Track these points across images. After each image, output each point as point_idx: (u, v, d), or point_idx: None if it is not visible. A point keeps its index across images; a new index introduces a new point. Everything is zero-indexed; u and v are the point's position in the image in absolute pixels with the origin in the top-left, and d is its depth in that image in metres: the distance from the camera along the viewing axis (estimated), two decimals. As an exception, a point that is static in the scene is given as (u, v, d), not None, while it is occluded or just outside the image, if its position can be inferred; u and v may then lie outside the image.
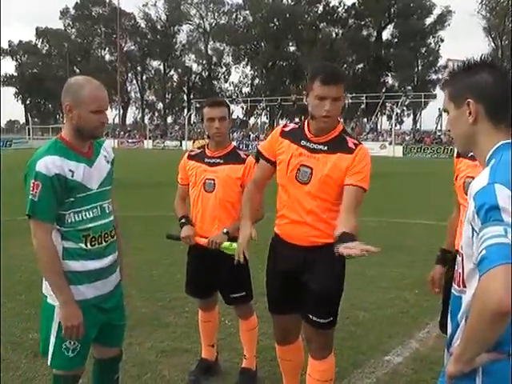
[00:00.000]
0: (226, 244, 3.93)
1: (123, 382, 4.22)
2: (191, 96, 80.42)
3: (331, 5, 74.91)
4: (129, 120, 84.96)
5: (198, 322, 4.49)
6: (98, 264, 2.98)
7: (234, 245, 3.79)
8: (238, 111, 70.80)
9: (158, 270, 7.49)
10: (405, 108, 69.91)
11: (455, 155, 3.54)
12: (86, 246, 2.93)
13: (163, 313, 5.79)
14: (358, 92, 63.04)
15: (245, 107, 72.23)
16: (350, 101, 62.20)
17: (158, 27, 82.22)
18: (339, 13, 74.84)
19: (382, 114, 64.69)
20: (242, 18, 79.86)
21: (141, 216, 12.04)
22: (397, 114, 61.41)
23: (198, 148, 4.46)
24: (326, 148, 3.21)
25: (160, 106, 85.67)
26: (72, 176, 2.86)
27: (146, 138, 59.76)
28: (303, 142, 3.26)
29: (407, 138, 48.81)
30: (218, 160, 4.14)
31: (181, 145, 52.83)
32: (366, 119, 64.84)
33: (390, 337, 5.19)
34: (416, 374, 4.44)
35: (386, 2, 69.78)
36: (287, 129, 3.41)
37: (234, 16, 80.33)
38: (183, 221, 4.19)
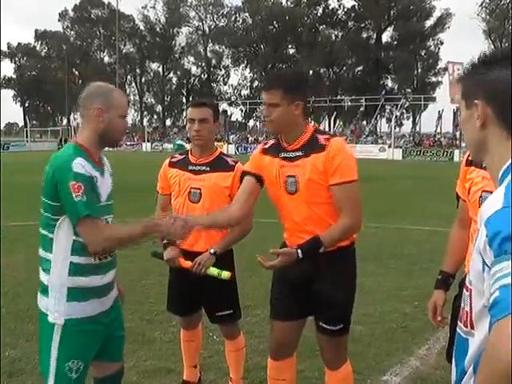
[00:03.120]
0: (213, 272, 3.60)
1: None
2: (190, 98, 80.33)
3: (331, 7, 75.31)
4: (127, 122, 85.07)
5: (181, 342, 4.21)
6: (104, 279, 2.85)
7: (225, 274, 3.54)
8: (236, 114, 70.73)
9: (148, 280, 7.18)
10: (404, 111, 69.95)
11: (464, 163, 3.06)
12: (95, 260, 2.79)
13: (149, 327, 5.49)
14: (357, 94, 62.99)
15: (244, 110, 72.26)
16: (349, 103, 62.15)
17: (157, 29, 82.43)
18: (339, 15, 75.06)
19: (381, 116, 64.65)
20: (241, 21, 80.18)
21: (136, 221, 11.76)
22: (396, 116, 61.34)
23: (180, 153, 4.08)
24: (302, 153, 3.19)
25: (159, 108, 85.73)
26: (96, 182, 2.77)
27: (144, 141, 59.63)
28: (282, 154, 3.25)
29: (403, 141, 48.59)
30: (203, 167, 3.81)
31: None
32: (365, 122, 64.73)
33: (388, 354, 4.89)
34: (416, 396, 4.16)
35: (386, 4, 69.94)
36: (267, 146, 3.39)
37: (233, 18, 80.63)
38: (165, 241, 3.83)
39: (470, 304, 1.62)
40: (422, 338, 5.24)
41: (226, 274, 3.54)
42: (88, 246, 2.70)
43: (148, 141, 59.71)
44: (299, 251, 3.00)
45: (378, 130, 60.44)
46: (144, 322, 5.64)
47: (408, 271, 7.63)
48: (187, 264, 3.69)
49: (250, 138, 58.57)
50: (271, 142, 3.39)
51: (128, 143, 60.36)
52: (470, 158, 2.97)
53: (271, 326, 3.51)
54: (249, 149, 50.55)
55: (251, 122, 73.36)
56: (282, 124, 3.19)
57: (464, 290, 1.68)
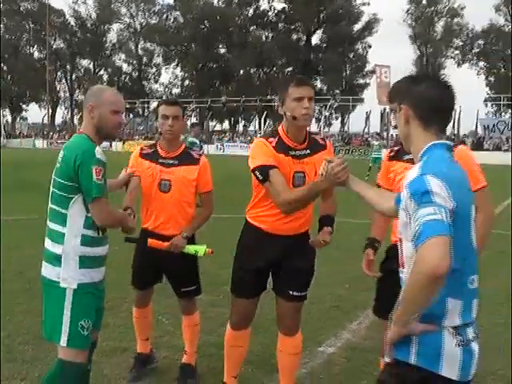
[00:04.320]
0: (190, 250, 4.09)
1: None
2: (121, 96, 79.19)
3: (261, 8, 75.83)
4: (58, 120, 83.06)
5: (133, 320, 4.57)
6: (104, 250, 3.32)
7: (199, 252, 4.08)
8: (168, 112, 70.33)
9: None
10: (333, 111, 71.37)
11: (386, 158, 3.75)
12: (99, 234, 3.26)
13: (101, 313, 5.78)
14: (288, 95, 63.74)
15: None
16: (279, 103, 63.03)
17: (88, 25, 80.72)
18: (269, 16, 75.77)
19: (311, 116, 65.69)
20: (172, 19, 79.68)
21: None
22: (325, 116, 62.67)
23: (148, 146, 4.42)
24: (308, 151, 3.72)
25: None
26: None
27: (74, 139, 58.41)
28: (291, 152, 3.68)
29: (332, 140, 49.84)
30: (172, 161, 4.21)
31: (110, 146, 51.90)
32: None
33: (323, 329, 5.44)
34: (349, 362, 4.68)
35: (315, 7, 71.07)
36: (274, 143, 3.67)
37: (164, 16, 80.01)
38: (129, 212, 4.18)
39: (402, 249, 2.27)
40: (353, 314, 5.81)
41: (201, 252, 4.07)
42: (97, 222, 3.15)
43: (78, 139, 58.54)
44: (330, 228, 3.74)
45: (307, 129, 61.59)
46: (96, 308, 5.92)
47: (341, 258, 8.18)
48: (162, 244, 4.09)
49: (181, 137, 58.54)
50: (272, 139, 3.68)
51: (59, 141, 59.16)
52: (390, 155, 3.71)
53: (233, 302, 3.99)
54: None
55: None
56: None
57: (398, 242, 2.33)
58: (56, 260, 3.18)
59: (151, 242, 4.08)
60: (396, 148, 3.71)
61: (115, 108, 3.27)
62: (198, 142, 15.62)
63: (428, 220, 2.01)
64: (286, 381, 3.97)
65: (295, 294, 3.81)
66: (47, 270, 3.24)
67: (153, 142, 4.67)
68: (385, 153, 3.81)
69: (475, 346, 2.23)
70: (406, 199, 2.15)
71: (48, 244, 3.25)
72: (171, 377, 4.42)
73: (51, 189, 3.23)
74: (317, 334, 5.29)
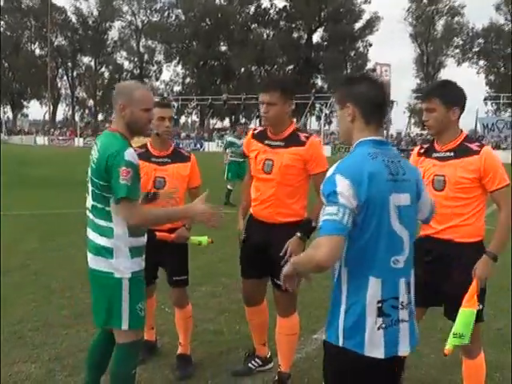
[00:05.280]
0: (194, 241, 4.43)
1: (73, 366, 4.53)
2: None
3: (263, 6, 76.01)
4: (59, 117, 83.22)
5: None
6: (146, 239, 3.52)
7: (204, 242, 4.45)
8: (169, 110, 70.57)
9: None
10: (333, 109, 71.42)
11: (416, 154, 3.84)
12: None
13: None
14: (288, 93, 63.75)
15: (176, 106, 72.18)
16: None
17: (90, 23, 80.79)
18: (271, 14, 75.87)
19: (311, 114, 66.03)
20: (174, 17, 79.87)
21: (75, 213, 12.11)
22: (325, 114, 62.78)
23: (139, 147, 4.61)
24: (283, 144, 4.09)
25: (91, 102, 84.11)
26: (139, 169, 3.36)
27: (76, 136, 58.86)
28: (266, 141, 4.18)
29: (332, 138, 50.02)
30: (165, 159, 4.51)
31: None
32: (295, 119, 65.74)
33: (317, 318, 5.70)
34: (341, 349, 4.93)
35: (317, 5, 71.18)
36: (256, 132, 4.33)
37: (166, 14, 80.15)
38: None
39: None
40: (346, 305, 6.03)
41: (204, 242, 4.42)
42: (127, 223, 3.27)
43: (80, 136, 58.93)
44: (298, 234, 3.97)
45: (308, 127, 61.76)
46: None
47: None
48: (170, 236, 4.39)
49: (182, 134, 58.79)
50: (259, 128, 4.35)
51: (60, 138, 59.39)
52: (421, 151, 3.83)
53: (242, 282, 4.48)
54: (181, 144, 50.61)
55: (183, 118, 73.54)
56: (278, 121, 4.08)
57: None
58: (107, 252, 3.32)
59: (159, 234, 4.34)
60: (426, 146, 3.86)
61: (146, 106, 3.38)
62: (238, 143, 14.71)
63: (327, 219, 2.31)
64: (285, 363, 4.30)
65: (279, 283, 3.99)
66: (98, 262, 3.36)
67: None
68: (415, 149, 4.02)
69: (403, 325, 2.48)
70: (322, 194, 2.43)
71: (96, 237, 3.36)
72: (172, 361, 4.71)
73: (90, 187, 3.34)
74: (312, 322, 5.59)
